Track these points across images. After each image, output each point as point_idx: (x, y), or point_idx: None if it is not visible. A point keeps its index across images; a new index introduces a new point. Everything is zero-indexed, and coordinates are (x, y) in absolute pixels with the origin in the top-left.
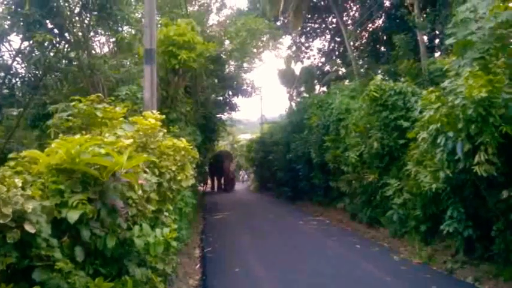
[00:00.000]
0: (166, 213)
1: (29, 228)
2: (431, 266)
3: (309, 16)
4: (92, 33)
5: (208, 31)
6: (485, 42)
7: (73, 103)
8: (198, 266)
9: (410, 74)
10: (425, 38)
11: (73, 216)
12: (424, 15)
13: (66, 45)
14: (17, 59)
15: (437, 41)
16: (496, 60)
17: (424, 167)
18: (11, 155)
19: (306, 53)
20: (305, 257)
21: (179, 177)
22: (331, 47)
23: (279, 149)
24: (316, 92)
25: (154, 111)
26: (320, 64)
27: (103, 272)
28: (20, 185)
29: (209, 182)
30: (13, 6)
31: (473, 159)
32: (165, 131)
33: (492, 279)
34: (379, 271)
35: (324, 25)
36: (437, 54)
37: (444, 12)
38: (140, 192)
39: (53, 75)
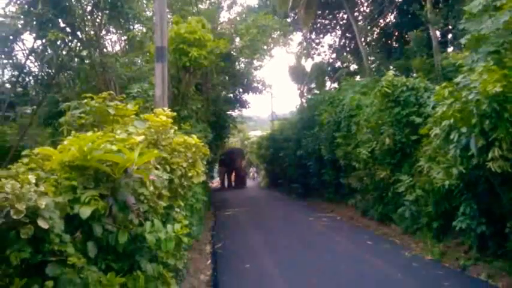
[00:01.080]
0: (177, 210)
1: (42, 224)
2: (444, 263)
3: (320, 12)
4: (103, 32)
5: (218, 28)
6: (500, 36)
7: (85, 101)
8: (209, 261)
9: (423, 69)
10: (438, 33)
11: (85, 212)
12: (437, 10)
13: (79, 44)
14: (30, 57)
15: (450, 36)
16: (511, 55)
17: (436, 163)
18: (24, 152)
19: (317, 49)
20: (315, 254)
21: (190, 174)
22: (342, 43)
23: (290, 145)
24: (327, 88)
25: (166, 109)
26: (331, 60)
27: (115, 268)
28: (34, 181)
29: (220, 178)
30: (26, 6)
31: (487, 155)
32: (176, 128)
33: (506, 276)
34: (390, 268)
35: (334, 21)
36: (450, 49)
37: (457, 6)
38: (152, 188)
39: (66, 74)
